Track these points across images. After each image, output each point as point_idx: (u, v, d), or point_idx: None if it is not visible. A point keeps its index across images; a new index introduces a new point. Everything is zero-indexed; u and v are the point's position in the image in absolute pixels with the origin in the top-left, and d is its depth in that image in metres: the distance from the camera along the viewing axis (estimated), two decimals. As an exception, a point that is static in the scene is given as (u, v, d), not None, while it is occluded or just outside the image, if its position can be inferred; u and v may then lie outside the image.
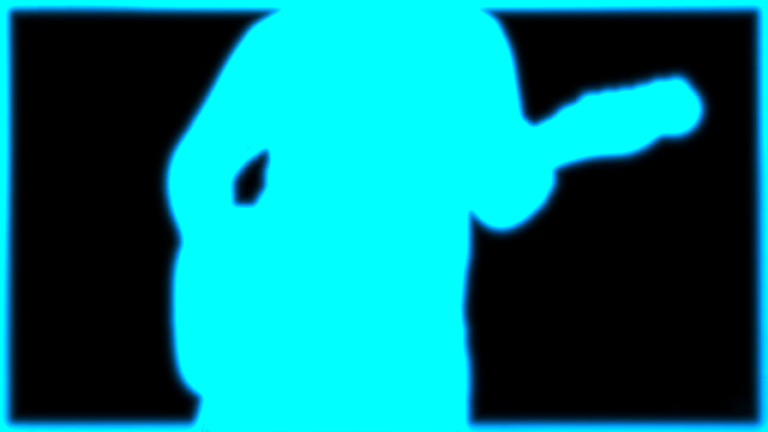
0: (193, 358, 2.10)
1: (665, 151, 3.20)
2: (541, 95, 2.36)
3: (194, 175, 2.16)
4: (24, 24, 3.23)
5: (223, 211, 2.14)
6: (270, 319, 2.06)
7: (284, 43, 2.11)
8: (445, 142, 2.05)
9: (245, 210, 2.13)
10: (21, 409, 3.24)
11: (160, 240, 2.99)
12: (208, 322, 2.09)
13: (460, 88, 2.08)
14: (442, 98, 2.07)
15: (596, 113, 1.96)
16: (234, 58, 2.16)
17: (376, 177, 2.04)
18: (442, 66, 2.08)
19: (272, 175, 2.12)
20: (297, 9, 2.14)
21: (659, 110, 1.94)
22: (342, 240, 2.04)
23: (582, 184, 3.17)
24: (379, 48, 2.08)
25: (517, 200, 2.12)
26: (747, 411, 3.23)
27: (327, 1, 2.12)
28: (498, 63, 2.14)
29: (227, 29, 2.58)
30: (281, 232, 2.07)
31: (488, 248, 2.66)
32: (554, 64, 3.16)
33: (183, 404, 2.39)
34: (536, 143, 2.02)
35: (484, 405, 2.35)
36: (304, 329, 2.05)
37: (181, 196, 2.16)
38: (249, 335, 2.07)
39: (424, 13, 2.11)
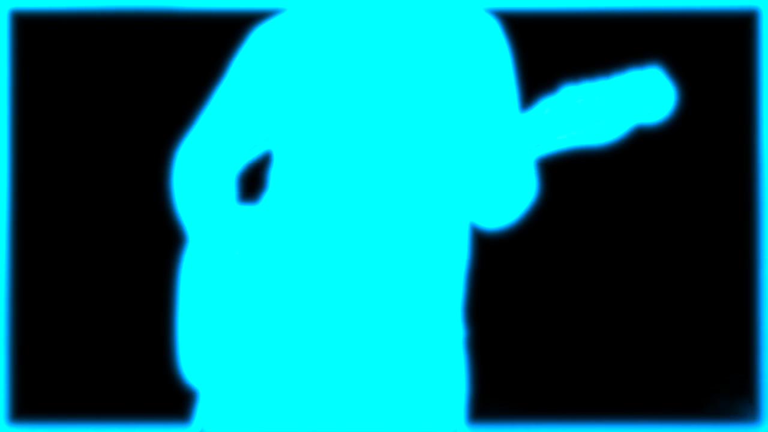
0: (195, 357, 2.11)
1: (666, 151, 3.21)
2: (540, 95, 2.36)
3: (198, 173, 2.16)
4: (24, 24, 3.23)
5: (226, 209, 2.14)
6: (271, 318, 2.06)
7: (289, 43, 2.11)
8: (447, 143, 2.05)
9: (247, 209, 2.13)
10: (21, 409, 3.24)
11: (161, 239, 3.00)
12: (210, 320, 2.09)
13: (463, 88, 2.08)
14: (444, 99, 2.07)
15: (574, 103, 1.97)
16: (239, 58, 2.16)
17: (377, 178, 2.04)
18: (444, 67, 2.08)
19: (275, 175, 2.12)
20: (302, 9, 2.14)
21: (634, 98, 1.95)
22: (343, 241, 2.04)
23: (579, 186, 3.17)
24: (381, 48, 2.08)
25: (505, 197, 2.12)
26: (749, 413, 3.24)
27: (331, 2, 2.13)
28: (498, 63, 2.14)
29: (230, 29, 2.58)
30: (283, 232, 2.07)
31: (488, 250, 2.66)
32: (552, 64, 3.16)
33: (183, 404, 2.39)
34: (517, 134, 2.02)
35: (482, 406, 2.35)
36: (304, 329, 2.05)
37: (184, 195, 2.16)
38: (250, 334, 2.07)
39: (427, 14, 2.11)
